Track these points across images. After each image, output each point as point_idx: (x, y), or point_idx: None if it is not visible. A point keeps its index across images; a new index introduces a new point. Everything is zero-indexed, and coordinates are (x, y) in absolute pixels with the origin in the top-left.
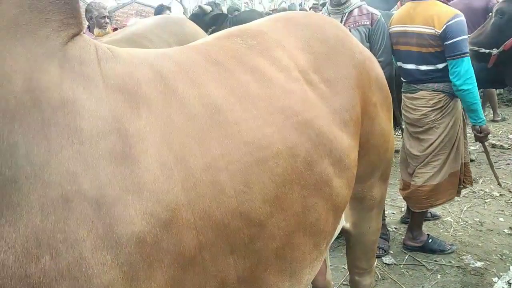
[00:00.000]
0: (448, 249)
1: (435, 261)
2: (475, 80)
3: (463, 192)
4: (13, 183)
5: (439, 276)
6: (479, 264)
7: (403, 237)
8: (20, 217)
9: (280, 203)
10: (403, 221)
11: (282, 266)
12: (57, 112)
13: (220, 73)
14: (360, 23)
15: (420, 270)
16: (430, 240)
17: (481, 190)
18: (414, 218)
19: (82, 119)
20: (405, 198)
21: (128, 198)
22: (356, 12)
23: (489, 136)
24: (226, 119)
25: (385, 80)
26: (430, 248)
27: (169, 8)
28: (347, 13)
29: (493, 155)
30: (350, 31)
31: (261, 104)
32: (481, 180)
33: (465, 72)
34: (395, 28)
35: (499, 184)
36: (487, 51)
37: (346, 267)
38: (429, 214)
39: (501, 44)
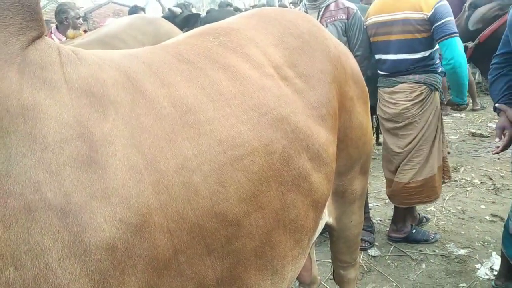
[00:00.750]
0: (432, 238)
1: (420, 250)
2: (466, 60)
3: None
4: None
5: (424, 266)
6: (462, 251)
7: (387, 229)
8: None
9: (257, 201)
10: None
11: (263, 264)
12: (17, 120)
13: (191, 72)
14: (336, 17)
15: (405, 261)
16: (414, 230)
17: (463, 178)
18: (398, 212)
19: (44, 125)
20: (389, 196)
21: (96, 205)
22: (332, 6)
23: (469, 124)
24: (197, 118)
25: (361, 74)
26: (414, 239)
27: (143, 9)
28: (323, 8)
29: (473, 144)
30: (326, 26)
31: (235, 102)
32: (462, 169)
33: (457, 50)
34: (374, 19)
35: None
36: (463, 44)
37: None
38: (424, 219)
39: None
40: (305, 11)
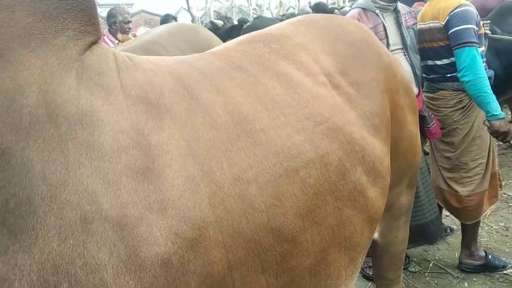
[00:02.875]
0: (509, 264)
1: (461, 268)
2: (479, 71)
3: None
4: (28, 205)
5: (466, 284)
6: (508, 270)
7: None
8: (35, 242)
9: (313, 216)
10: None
11: (317, 284)
12: (75, 127)
13: (244, 79)
14: (411, 22)
15: (446, 278)
16: (490, 256)
17: (504, 193)
18: (468, 233)
19: (102, 133)
20: (454, 213)
21: (152, 217)
22: (401, 9)
23: None
24: (253, 127)
25: (411, 83)
26: (492, 266)
27: (175, 18)
28: (398, 10)
29: None
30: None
31: (289, 111)
32: (503, 183)
33: (465, 63)
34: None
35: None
36: None
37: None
38: (448, 229)
39: None
40: (364, 15)
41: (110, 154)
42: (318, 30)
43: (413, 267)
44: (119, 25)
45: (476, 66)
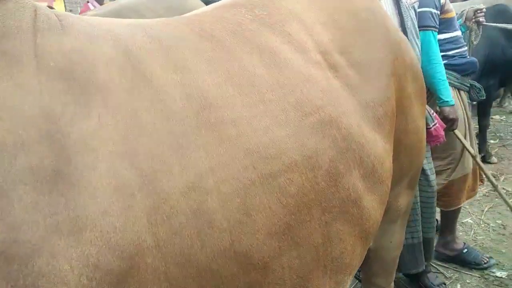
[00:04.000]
0: (485, 263)
1: (455, 268)
2: (433, 56)
3: (484, 190)
4: None
5: (459, 286)
6: (503, 273)
7: None
8: None
9: (293, 235)
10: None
11: None
12: None
13: (215, 52)
14: (410, 1)
15: (439, 279)
16: (466, 250)
17: (503, 188)
18: (445, 220)
19: None
20: None
21: (59, 244)
22: None
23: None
24: (220, 117)
25: (420, 67)
26: (463, 259)
27: None
28: None
29: None
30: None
31: (271, 97)
32: (502, 178)
33: (423, 46)
34: None
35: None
36: None
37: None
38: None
39: None
40: None
41: (1, 151)
42: None
43: None
44: None
45: (430, 51)
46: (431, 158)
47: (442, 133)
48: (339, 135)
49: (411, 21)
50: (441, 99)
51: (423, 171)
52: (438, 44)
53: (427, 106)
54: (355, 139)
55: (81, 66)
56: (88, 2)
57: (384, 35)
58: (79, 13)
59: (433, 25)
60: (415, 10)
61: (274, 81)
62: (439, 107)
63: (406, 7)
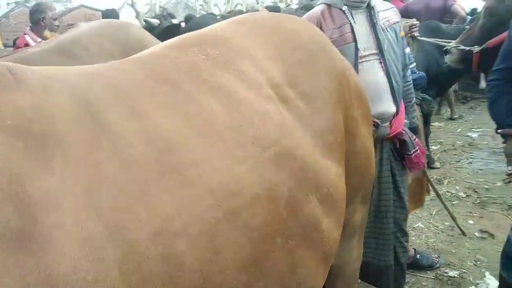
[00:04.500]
0: (436, 263)
1: (412, 272)
2: None
3: (432, 194)
4: None
5: None
6: (455, 273)
7: None
8: None
9: (260, 266)
10: None
11: None
12: None
13: (172, 96)
14: (392, 20)
15: None
16: (418, 256)
17: (448, 191)
18: None
19: None
20: None
21: None
22: (379, 5)
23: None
24: (181, 161)
25: (364, 90)
26: (419, 265)
27: (117, 15)
28: (372, 7)
29: (455, 154)
30: (386, 31)
31: (229, 135)
32: (446, 181)
33: None
34: None
35: (463, 233)
36: (467, 48)
37: None
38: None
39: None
40: (328, 14)
41: None
42: (262, 31)
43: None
44: (48, 21)
45: None
46: (405, 182)
47: (423, 160)
48: (296, 165)
49: (389, 43)
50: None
51: (399, 194)
52: None
53: (409, 132)
54: (310, 168)
55: (38, 122)
56: (25, 34)
57: (329, 65)
58: (15, 44)
59: None
60: (395, 31)
61: (231, 119)
62: None
63: (383, 29)
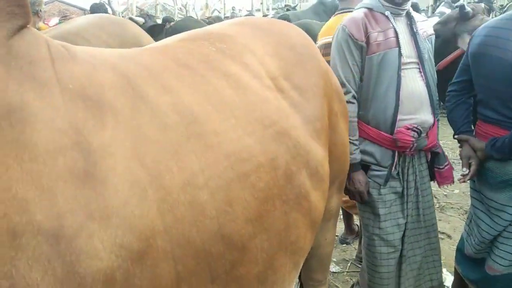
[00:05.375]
0: None
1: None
2: None
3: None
4: None
5: None
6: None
7: (343, 245)
8: None
9: (262, 222)
10: (341, 241)
11: None
12: (1, 123)
13: (193, 78)
14: (428, 32)
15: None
16: None
17: None
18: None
19: (34, 131)
20: (349, 207)
21: (94, 227)
22: (415, 15)
23: None
24: (204, 129)
25: (342, 90)
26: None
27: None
28: (412, 15)
29: None
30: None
31: (239, 113)
32: None
33: None
34: (323, 41)
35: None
36: None
37: None
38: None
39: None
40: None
41: (44, 155)
42: (261, 32)
43: (333, 267)
44: (43, 14)
45: None
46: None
47: (452, 175)
48: (291, 143)
49: (428, 53)
50: None
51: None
52: None
53: (441, 145)
54: (302, 146)
55: (93, 89)
56: None
57: (316, 65)
58: None
59: None
60: (431, 43)
61: (240, 101)
62: None
63: (423, 38)
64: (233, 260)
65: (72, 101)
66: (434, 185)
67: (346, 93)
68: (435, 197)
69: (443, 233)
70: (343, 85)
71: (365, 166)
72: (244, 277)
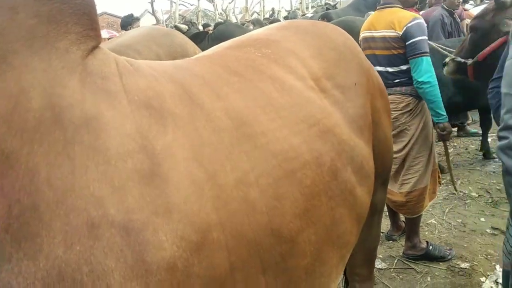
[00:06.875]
0: (448, 255)
1: (424, 263)
2: (435, 78)
3: (444, 194)
4: (32, 211)
5: (429, 279)
6: (466, 265)
7: (390, 241)
8: (40, 249)
9: (310, 216)
10: (387, 238)
11: (312, 282)
12: (80, 130)
13: (241, 83)
14: None
15: (410, 273)
16: (431, 247)
17: (461, 191)
18: (410, 226)
19: (107, 137)
20: (397, 207)
21: (158, 222)
22: None
23: (462, 138)
24: (253, 131)
25: (384, 87)
26: (431, 256)
27: (138, 19)
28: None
29: (468, 157)
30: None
31: (285, 114)
32: (459, 182)
33: (425, 70)
34: (363, 35)
35: (455, 189)
36: (462, 60)
37: None
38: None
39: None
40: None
41: (116, 158)
42: (304, 35)
43: (379, 263)
44: None
45: (433, 74)
46: None
47: None
48: (335, 140)
49: None
50: (442, 115)
51: None
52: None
53: None
54: (346, 143)
55: (155, 98)
56: None
57: (358, 64)
58: None
59: (428, 51)
60: None
61: (285, 102)
62: (441, 122)
63: None
64: (283, 252)
65: (138, 110)
66: (487, 179)
67: None
68: (488, 192)
69: (497, 228)
70: None
71: None
72: (293, 268)
